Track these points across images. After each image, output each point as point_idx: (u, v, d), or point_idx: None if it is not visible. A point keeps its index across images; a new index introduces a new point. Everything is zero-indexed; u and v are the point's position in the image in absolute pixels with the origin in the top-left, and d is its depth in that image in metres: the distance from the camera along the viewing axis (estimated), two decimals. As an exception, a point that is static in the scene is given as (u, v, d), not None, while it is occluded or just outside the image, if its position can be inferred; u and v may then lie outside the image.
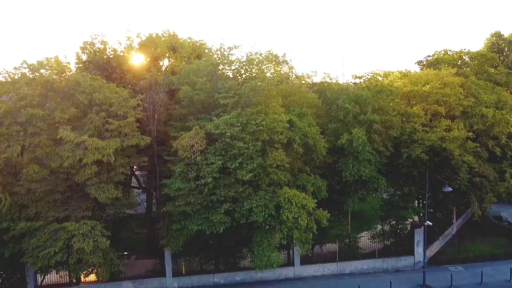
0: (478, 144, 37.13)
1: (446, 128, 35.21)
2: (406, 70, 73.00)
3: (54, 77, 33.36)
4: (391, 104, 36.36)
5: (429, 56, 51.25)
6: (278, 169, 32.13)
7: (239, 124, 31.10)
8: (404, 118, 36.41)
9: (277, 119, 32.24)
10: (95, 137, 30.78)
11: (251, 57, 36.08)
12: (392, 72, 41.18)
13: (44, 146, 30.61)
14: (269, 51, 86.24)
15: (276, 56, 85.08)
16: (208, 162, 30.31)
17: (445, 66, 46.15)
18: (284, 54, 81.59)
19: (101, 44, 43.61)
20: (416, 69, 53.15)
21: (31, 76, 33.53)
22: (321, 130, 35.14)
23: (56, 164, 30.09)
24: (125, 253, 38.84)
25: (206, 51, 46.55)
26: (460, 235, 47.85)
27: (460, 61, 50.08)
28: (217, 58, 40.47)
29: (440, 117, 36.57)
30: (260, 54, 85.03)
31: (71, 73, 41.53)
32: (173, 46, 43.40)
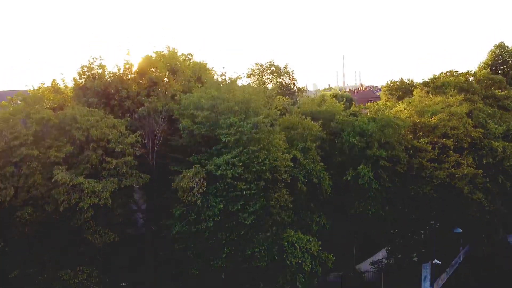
0: (488, 180, 36.01)
1: (454, 164, 34.13)
2: (409, 80, 72.29)
3: (49, 111, 32.24)
4: (397, 137, 35.24)
5: (435, 79, 50.11)
6: (282, 209, 31.06)
7: (240, 164, 30.02)
8: (411, 152, 35.31)
9: (280, 157, 31.11)
10: (92, 176, 29.74)
11: (252, 97, 34.62)
12: (399, 103, 39.81)
13: (39, 186, 29.52)
14: (271, 61, 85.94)
15: (278, 67, 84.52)
16: (209, 205, 29.23)
17: (451, 90, 45.05)
18: (286, 65, 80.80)
19: (99, 68, 42.54)
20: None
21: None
22: (326, 164, 34.06)
23: (51, 207, 29.01)
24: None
25: (208, 72, 45.62)
26: (468, 262, 46.64)
27: (466, 83, 48.90)
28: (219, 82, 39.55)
29: (448, 151, 35.46)
30: (261, 65, 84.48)
31: (68, 98, 40.82)
32: (173, 68, 42.36)
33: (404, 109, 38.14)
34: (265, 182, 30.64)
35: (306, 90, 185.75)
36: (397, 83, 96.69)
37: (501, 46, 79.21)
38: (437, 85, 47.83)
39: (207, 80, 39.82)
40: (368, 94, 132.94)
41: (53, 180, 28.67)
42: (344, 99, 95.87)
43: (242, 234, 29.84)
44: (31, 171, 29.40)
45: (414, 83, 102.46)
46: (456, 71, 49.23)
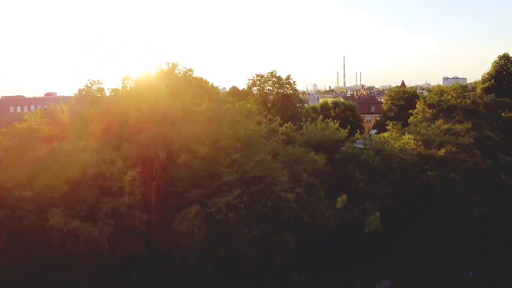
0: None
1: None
2: (411, 87, 70.46)
3: (45, 148, 31.16)
4: (404, 172, 34.10)
5: (441, 101, 48.89)
6: (286, 252, 29.93)
7: (242, 206, 28.92)
8: (419, 188, 34.20)
9: (284, 197, 29.93)
10: (88, 216, 28.64)
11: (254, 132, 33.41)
12: (405, 135, 38.51)
13: (34, 228, 28.40)
14: (272, 72, 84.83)
15: (280, 78, 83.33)
16: (210, 252, 28.16)
17: (458, 115, 43.93)
18: (288, 76, 79.90)
19: (98, 92, 41.48)
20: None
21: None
22: (331, 198, 32.96)
23: (45, 252, 27.93)
24: None
25: (208, 91, 44.43)
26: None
27: (473, 104, 47.75)
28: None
29: (457, 185, 34.33)
30: (262, 76, 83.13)
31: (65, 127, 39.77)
32: (172, 91, 41.20)
33: (410, 140, 36.88)
34: (268, 223, 29.53)
35: (307, 94, 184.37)
36: (400, 91, 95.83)
37: (506, 57, 78.06)
38: (444, 108, 46.66)
39: (208, 108, 38.42)
40: (370, 100, 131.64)
41: (47, 225, 27.56)
42: (348, 112, 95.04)
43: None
44: (25, 213, 28.31)
45: (417, 92, 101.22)
46: (464, 93, 47.86)
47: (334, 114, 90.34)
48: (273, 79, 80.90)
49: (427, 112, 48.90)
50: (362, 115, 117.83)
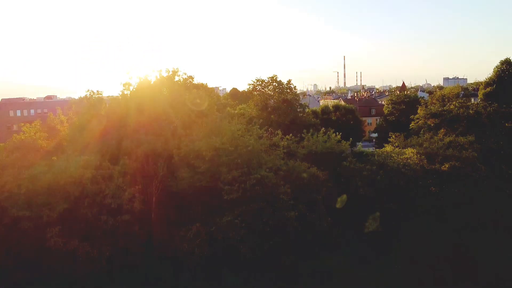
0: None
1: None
2: (413, 92, 70.00)
3: (43, 166, 30.65)
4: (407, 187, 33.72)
5: (444, 111, 48.41)
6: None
7: (243, 225, 28.48)
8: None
9: (286, 216, 29.50)
10: (88, 235, 28.22)
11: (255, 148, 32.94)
12: (408, 149, 37.95)
13: (32, 248, 27.99)
14: (273, 76, 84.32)
15: (281, 82, 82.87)
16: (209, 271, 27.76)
17: (462, 126, 43.50)
18: (289, 81, 79.40)
19: (98, 102, 40.99)
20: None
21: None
22: (333, 214, 32.55)
23: (43, 272, 27.52)
24: None
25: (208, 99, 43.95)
26: None
27: (476, 115, 47.28)
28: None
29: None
30: (262, 81, 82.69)
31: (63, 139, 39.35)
32: (171, 101, 40.74)
33: (413, 154, 36.39)
34: (270, 244, 29.08)
35: (307, 96, 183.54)
36: (401, 95, 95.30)
37: (507, 62, 77.59)
38: (447, 118, 46.19)
39: (209, 121, 37.85)
40: (371, 103, 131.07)
41: (46, 245, 27.15)
42: (349, 115, 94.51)
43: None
44: (23, 233, 27.90)
45: (418, 97, 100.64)
46: (469, 103, 47.39)
47: (335, 117, 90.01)
48: (274, 83, 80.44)
49: (430, 121, 48.43)
50: (363, 118, 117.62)
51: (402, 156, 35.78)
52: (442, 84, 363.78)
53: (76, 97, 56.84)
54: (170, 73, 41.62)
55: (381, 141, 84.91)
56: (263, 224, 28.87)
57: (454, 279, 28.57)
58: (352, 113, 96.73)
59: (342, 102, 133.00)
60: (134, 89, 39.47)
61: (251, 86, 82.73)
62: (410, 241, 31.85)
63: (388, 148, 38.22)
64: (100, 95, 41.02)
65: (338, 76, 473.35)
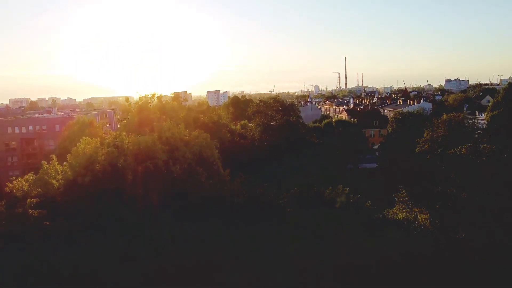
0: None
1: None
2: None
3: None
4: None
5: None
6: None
7: None
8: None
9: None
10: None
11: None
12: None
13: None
14: (276, 97, 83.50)
15: (284, 103, 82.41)
16: None
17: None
18: (292, 102, 78.88)
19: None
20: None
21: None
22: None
23: None
24: None
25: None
26: None
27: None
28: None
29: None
30: (265, 102, 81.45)
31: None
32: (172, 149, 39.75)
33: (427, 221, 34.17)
34: None
35: (308, 103, 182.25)
36: (406, 113, 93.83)
37: (515, 84, 76.80)
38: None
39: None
40: (374, 115, 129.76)
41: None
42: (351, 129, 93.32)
43: None
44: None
45: (423, 113, 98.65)
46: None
47: (337, 133, 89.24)
48: (277, 104, 80.00)
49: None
50: (365, 129, 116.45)
51: (413, 224, 33.15)
52: (443, 86, 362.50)
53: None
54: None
55: (384, 159, 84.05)
56: None
57: None
58: (355, 128, 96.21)
59: (345, 114, 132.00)
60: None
61: (254, 108, 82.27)
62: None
63: (400, 215, 35.14)
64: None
65: (339, 76, 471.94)
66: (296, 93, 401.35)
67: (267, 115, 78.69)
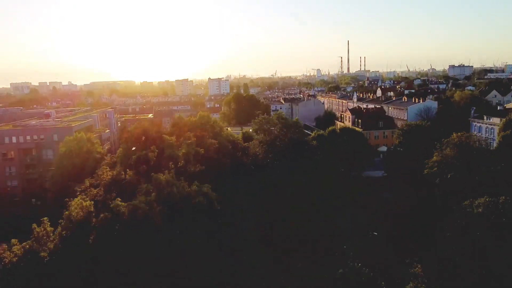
0: None
1: None
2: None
3: None
4: None
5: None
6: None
7: None
8: None
9: None
10: None
11: None
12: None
13: None
14: (278, 113, 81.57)
15: (288, 121, 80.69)
16: None
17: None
18: (297, 119, 77.14)
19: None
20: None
21: None
22: None
23: None
24: None
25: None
26: None
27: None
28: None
29: None
30: (267, 120, 79.47)
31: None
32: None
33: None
34: None
35: (311, 95, 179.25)
36: (413, 124, 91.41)
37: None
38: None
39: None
40: (378, 114, 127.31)
41: None
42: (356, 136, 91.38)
43: None
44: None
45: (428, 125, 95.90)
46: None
47: (342, 142, 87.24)
48: (281, 120, 78.50)
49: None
50: (369, 131, 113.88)
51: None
52: (447, 70, 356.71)
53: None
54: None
55: (391, 169, 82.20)
56: None
57: None
58: (360, 136, 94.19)
59: (349, 114, 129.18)
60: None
61: (257, 126, 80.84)
62: None
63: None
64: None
65: (341, 61, 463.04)
66: (298, 77, 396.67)
67: (270, 132, 77.20)
